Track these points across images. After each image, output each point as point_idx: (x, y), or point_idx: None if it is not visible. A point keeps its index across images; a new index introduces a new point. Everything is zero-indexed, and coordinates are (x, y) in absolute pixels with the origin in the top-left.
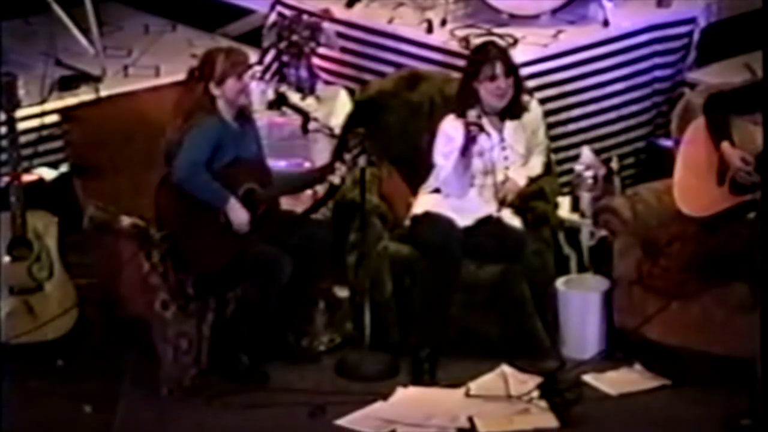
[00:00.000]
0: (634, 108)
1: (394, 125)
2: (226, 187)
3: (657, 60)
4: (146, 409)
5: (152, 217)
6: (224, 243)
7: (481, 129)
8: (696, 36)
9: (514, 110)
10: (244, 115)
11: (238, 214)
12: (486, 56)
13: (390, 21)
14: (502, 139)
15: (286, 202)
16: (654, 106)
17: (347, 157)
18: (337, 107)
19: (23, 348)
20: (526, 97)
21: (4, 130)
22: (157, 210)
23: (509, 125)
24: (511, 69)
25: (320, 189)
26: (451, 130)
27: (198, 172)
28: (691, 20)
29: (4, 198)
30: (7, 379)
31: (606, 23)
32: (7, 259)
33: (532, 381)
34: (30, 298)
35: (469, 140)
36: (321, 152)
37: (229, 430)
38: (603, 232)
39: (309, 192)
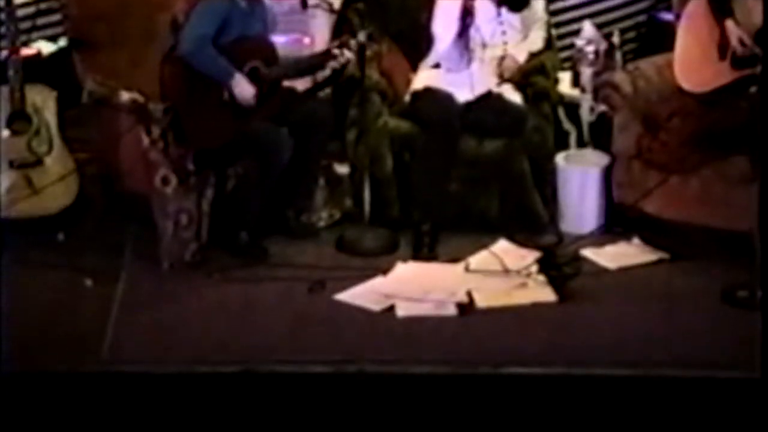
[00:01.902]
0: None
1: (394, 0)
2: (231, 64)
3: None
4: (147, 282)
5: (151, 91)
6: (226, 119)
7: None
8: None
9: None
10: None
11: (244, 88)
12: None
13: None
14: (499, 14)
15: (286, 80)
16: None
17: (349, 40)
18: None
19: (24, 222)
20: None
21: (1, 3)
22: (160, 83)
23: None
24: None
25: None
26: (449, 3)
27: (204, 45)
28: None
29: (2, 72)
30: (8, 252)
31: None
32: (6, 133)
33: (531, 256)
34: (30, 172)
35: (467, 12)
36: (320, 28)
37: (229, 305)
38: (603, 108)
39: None
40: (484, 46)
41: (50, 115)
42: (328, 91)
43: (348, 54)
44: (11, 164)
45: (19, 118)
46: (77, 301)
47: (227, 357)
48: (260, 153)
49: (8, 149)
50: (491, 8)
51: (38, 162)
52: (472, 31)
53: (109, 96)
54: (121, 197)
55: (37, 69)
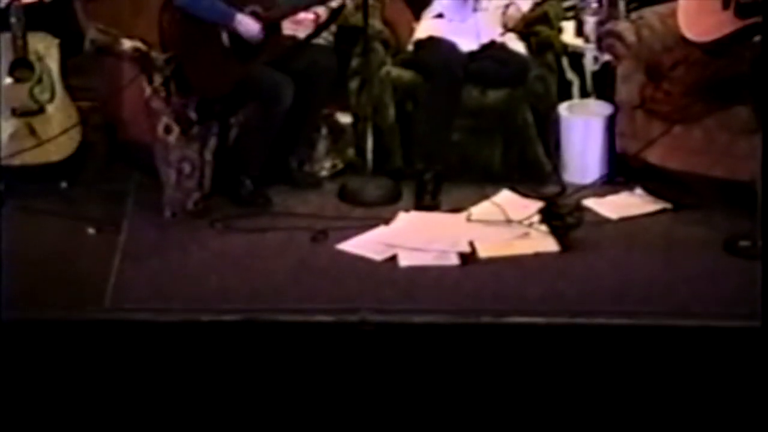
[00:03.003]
0: None
1: None
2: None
3: None
4: (150, 231)
5: (153, 39)
6: (228, 67)
7: None
8: None
9: None
10: None
11: (249, 25)
12: None
13: None
14: None
15: (288, 27)
16: None
17: None
18: None
19: (26, 169)
20: None
21: None
22: (160, 32)
23: None
24: None
25: (322, 13)
26: None
27: None
28: None
29: (4, 19)
30: (10, 199)
31: None
32: (8, 80)
33: (533, 206)
34: (32, 120)
35: None
36: None
37: (232, 253)
38: (606, 57)
39: (311, 17)
40: None
41: (53, 63)
42: (330, 39)
43: None
44: (13, 112)
45: (22, 66)
46: (80, 249)
47: (229, 305)
48: (262, 99)
49: (11, 97)
50: None
51: (41, 110)
52: None
53: (111, 44)
54: (124, 146)
55: (40, 16)
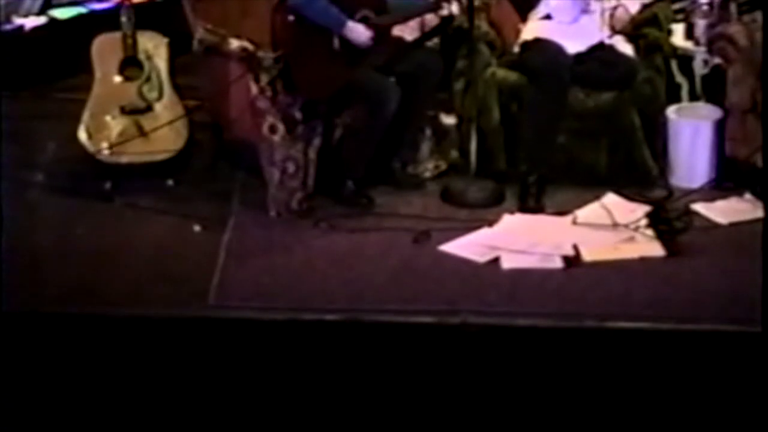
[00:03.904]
0: None
1: None
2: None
3: None
4: (254, 230)
5: (261, 40)
6: (336, 69)
7: None
8: None
9: None
10: None
11: (359, 32)
12: None
13: None
14: None
15: (395, 29)
16: None
17: None
18: None
19: (134, 167)
20: None
21: None
22: (271, 32)
23: None
24: None
25: (431, 19)
26: None
27: None
28: None
29: (115, 18)
30: (118, 197)
31: None
32: (118, 78)
33: (640, 210)
34: (140, 118)
35: None
36: None
37: (335, 253)
38: (717, 60)
39: (417, 19)
40: None
41: (161, 62)
42: (436, 41)
43: (457, 3)
44: (122, 110)
45: (131, 65)
46: (185, 247)
47: (332, 305)
48: (368, 102)
49: (120, 95)
50: None
51: (149, 108)
52: None
53: (219, 44)
54: (229, 145)
55: (150, 16)
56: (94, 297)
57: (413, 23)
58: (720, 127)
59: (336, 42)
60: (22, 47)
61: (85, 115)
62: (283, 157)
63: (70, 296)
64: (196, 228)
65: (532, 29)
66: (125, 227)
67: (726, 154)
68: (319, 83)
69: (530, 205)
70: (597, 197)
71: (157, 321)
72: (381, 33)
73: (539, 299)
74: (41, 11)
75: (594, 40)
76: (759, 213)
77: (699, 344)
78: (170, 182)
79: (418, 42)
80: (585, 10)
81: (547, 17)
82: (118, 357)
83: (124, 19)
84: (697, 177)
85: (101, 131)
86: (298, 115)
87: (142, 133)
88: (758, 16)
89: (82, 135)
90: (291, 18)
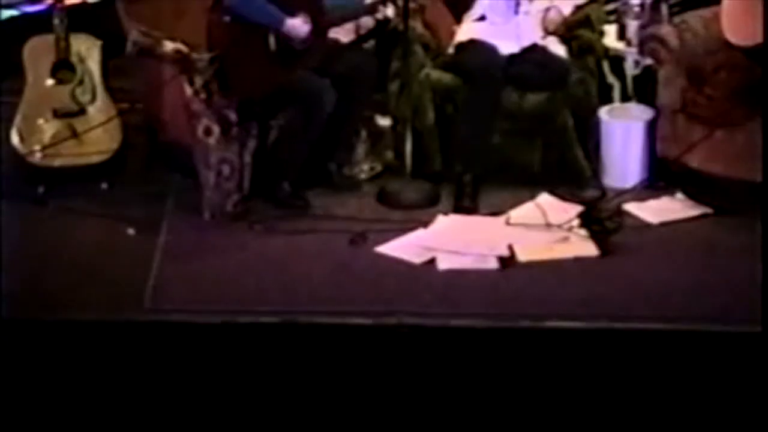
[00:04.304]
0: None
1: None
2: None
3: None
4: (189, 233)
5: (195, 42)
6: (271, 70)
7: None
8: None
9: None
10: None
11: (298, 27)
12: None
13: None
14: None
15: (330, 31)
16: None
17: None
18: None
19: (67, 170)
20: None
21: None
22: (207, 32)
23: None
24: None
25: (366, 19)
26: None
27: None
28: None
29: (47, 21)
30: (52, 200)
31: None
32: (50, 82)
33: (573, 210)
34: (73, 121)
35: None
36: None
37: (271, 255)
38: (648, 61)
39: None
40: None
41: (94, 65)
42: (371, 43)
43: (393, 6)
44: (55, 113)
45: (64, 67)
46: (119, 250)
47: (268, 308)
48: (304, 104)
49: (52, 98)
50: None
51: (82, 111)
52: None
53: (153, 46)
54: (164, 147)
55: (82, 18)
56: (27, 301)
57: (349, 25)
58: (651, 128)
59: (272, 43)
60: None
61: (17, 119)
62: (218, 160)
63: (3, 302)
64: (130, 231)
65: (466, 31)
66: (58, 231)
67: (657, 154)
68: (254, 84)
69: (465, 205)
70: (531, 197)
71: (92, 325)
72: (318, 33)
73: (475, 300)
74: None
75: (527, 42)
76: (690, 212)
77: (632, 342)
78: (104, 185)
79: (354, 44)
80: (518, 12)
81: (482, 18)
82: (52, 361)
83: (56, 21)
84: (630, 177)
85: (33, 134)
86: (233, 117)
87: (75, 135)
88: (688, 17)
89: (14, 138)
90: (227, 18)
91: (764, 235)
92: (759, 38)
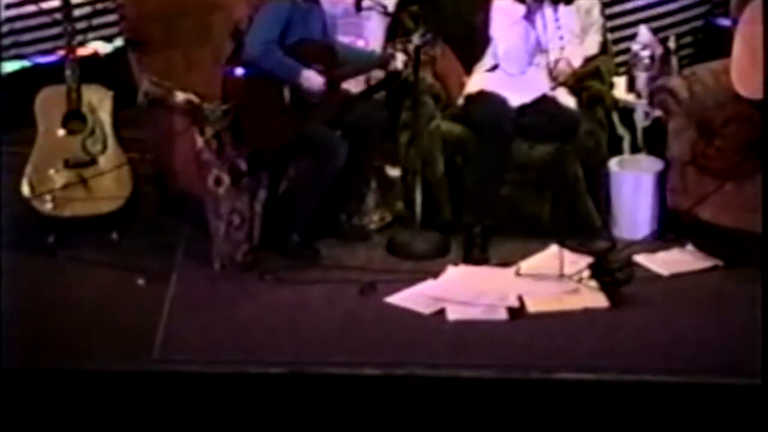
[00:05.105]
0: None
1: (448, 3)
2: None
3: None
4: (199, 283)
5: (206, 92)
6: (285, 122)
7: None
8: None
9: None
10: None
11: (313, 79)
12: None
13: None
14: (556, 19)
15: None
16: None
17: (399, 42)
18: None
19: (77, 220)
20: None
21: (59, 3)
22: (222, 85)
23: (563, 6)
24: None
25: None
26: (506, 5)
27: (271, 49)
28: None
29: (59, 72)
30: (62, 250)
31: None
32: (61, 132)
33: (583, 261)
34: (84, 172)
35: (531, 10)
36: (374, 30)
37: (281, 305)
38: (658, 113)
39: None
40: (542, 50)
41: (105, 115)
42: (382, 93)
43: (404, 57)
44: (66, 163)
45: (75, 118)
46: (129, 301)
47: (277, 358)
48: (315, 155)
49: (63, 149)
50: (550, 12)
51: (92, 161)
52: (531, 35)
53: (164, 96)
54: (174, 197)
55: (94, 69)
56: (37, 351)
57: (359, 77)
58: (661, 179)
59: (286, 95)
60: None
61: (28, 169)
62: (228, 210)
63: (13, 351)
64: (140, 281)
65: (476, 82)
66: (68, 281)
67: (667, 205)
68: (268, 136)
69: (475, 256)
70: (541, 248)
71: (102, 375)
72: (331, 86)
73: (485, 350)
74: None
75: (537, 93)
76: (700, 264)
77: (641, 394)
78: (114, 235)
79: (364, 94)
80: (529, 63)
81: (494, 68)
82: (60, 411)
83: (68, 72)
84: (640, 228)
85: (44, 185)
86: (243, 167)
87: (85, 185)
88: (698, 69)
89: (25, 188)
90: (239, 72)
91: (764, 288)
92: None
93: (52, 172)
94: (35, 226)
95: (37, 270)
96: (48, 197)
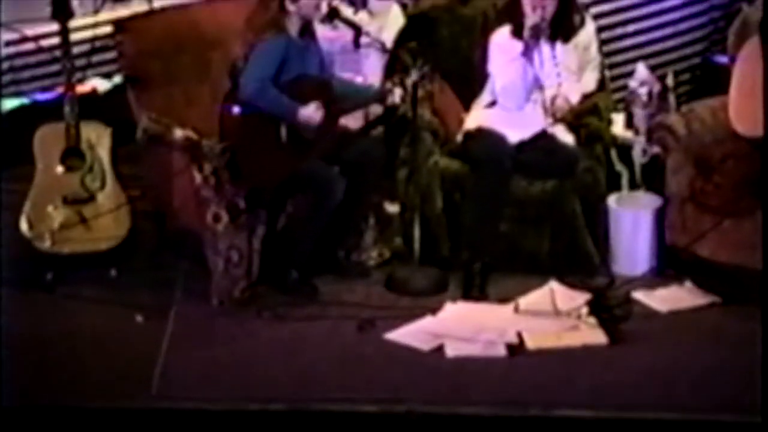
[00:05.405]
0: (690, 23)
1: (447, 40)
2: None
3: None
4: (197, 319)
5: (205, 129)
6: (283, 159)
7: (538, 37)
8: None
9: (564, 30)
10: (308, 30)
11: (312, 116)
12: None
13: None
14: (554, 56)
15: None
16: (711, 22)
17: (398, 78)
18: (389, 21)
19: (76, 257)
20: (577, 17)
21: (57, 41)
22: (220, 123)
23: (561, 43)
24: None
25: (374, 106)
26: (504, 42)
27: (266, 87)
28: None
29: (58, 108)
30: (61, 287)
31: None
32: (60, 169)
33: (582, 297)
34: (82, 208)
35: (529, 47)
36: (372, 67)
37: (279, 342)
38: (656, 149)
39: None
40: (540, 87)
41: (104, 152)
42: (380, 129)
43: (402, 93)
44: (65, 200)
45: (74, 155)
46: (128, 337)
47: (276, 394)
48: (313, 191)
49: (62, 185)
50: (547, 49)
51: (91, 198)
52: (529, 72)
53: (163, 133)
54: (173, 234)
55: (93, 106)
56: (35, 387)
57: (358, 112)
58: (660, 216)
59: (284, 133)
60: None
61: (27, 206)
62: (226, 246)
63: (11, 388)
64: (139, 318)
65: (475, 118)
66: (67, 317)
67: (666, 242)
68: (266, 173)
69: (474, 293)
70: (540, 284)
71: (100, 411)
72: (329, 122)
73: (483, 387)
74: None
75: (536, 129)
76: (699, 301)
77: (641, 431)
78: (113, 272)
79: (363, 130)
80: (527, 99)
81: (492, 105)
82: None
83: (67, 109)
84: (638, 265)
85: (43, 221)
86: (242, 203)
87: (84, 222)
88: (696, 106)
89: (23, 225)
90: (236, 110)
91: (764, 325)
92: (765, 129)
93: (50, 209)
94: (34, 262)
95: (35, 307)
96: (47, 234)
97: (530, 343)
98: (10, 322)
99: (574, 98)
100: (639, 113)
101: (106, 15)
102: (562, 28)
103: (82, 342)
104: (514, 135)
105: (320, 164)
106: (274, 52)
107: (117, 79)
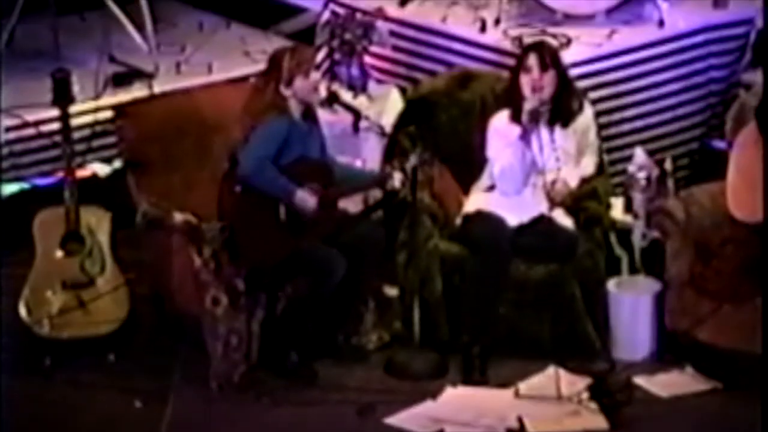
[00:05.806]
0: (688, 109)
1: (446, 124)
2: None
3: (713, 61)
4: (196, 404)
5: (205, 213)
6: (281, 239)
7: (537, 121)
8: (752, 37)
9: (562, 115)
10: (310, 113)
11: (307, 200)
12: (522, 48)
13: (443, 20)
14: (552, 140)
15: (339, 202)
16: (709, 107)
17: (397, 162)
18: (388, 106)
19: (75, 342)
20: (576, 102)
21: (58, 125)
22: (218, 202)
23: (559, 128)
24: (553, 65)
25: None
26: (503, 126)
27: (265, 167)
28: (748, 21)
29: (58, 193)
30: (59, 373)
31: (661, 23)
32: (60, 253)
33: (582, 382)
34: (81, 293)
35: (528, 131)
36: (372, 151)
37: (279, 427)
38: (655, 234)
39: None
40: (538, 171)
41: (103, 236)
42: (379, 213)
43: (401, 177)
44: (64, 285)
45: (73, 239)
46: (127, 423)
47: None
48: (313, 273)
49: (61, 270)
50: (546, 133)
51: (90, 283)
52: (527, 156)
53: (163, 217)
54: (172, 317)
55: (93, 190)
56: None
57: (357, 196)
58: (660, 300)
59: (282, 213)
60: None
61: (26, 291)
62: (226, 330)
63: None
64: (138, 403)
65: (474, 201)
66: (65, 403)
67: (666, 326)
68: (264, 253)
69: (474, 377)
70: (540, 369)
71: None
72: (328, 204)
73: None
74: None
75: (535, 213)
76: (699, 386)
77: None
78: (111, 357)
79: (362, 214)
80: (526, 183)
81: (491, 188)
82: None
83: (67, 194)
84: (639, 349)
85: (42, 306)
86: (241, 286)
87: (83, 306)
88: (695, 191)
89: (22, 310)
90: (238, 188)
91: (764, 411)
92: (763, 215)
93: (49, 293)
94: (32, 348)
95: (33, 393)
96: (45, 319)
97: (531, 428)
98: (9, 408)
99: (573, 182)
100: (638, 197)
101: (106, 100)
102: (560, 113)
103: (81, 428)
104: (514, 218)
105: (320, 245)
106: (275, 132)
107: (117, 163)
